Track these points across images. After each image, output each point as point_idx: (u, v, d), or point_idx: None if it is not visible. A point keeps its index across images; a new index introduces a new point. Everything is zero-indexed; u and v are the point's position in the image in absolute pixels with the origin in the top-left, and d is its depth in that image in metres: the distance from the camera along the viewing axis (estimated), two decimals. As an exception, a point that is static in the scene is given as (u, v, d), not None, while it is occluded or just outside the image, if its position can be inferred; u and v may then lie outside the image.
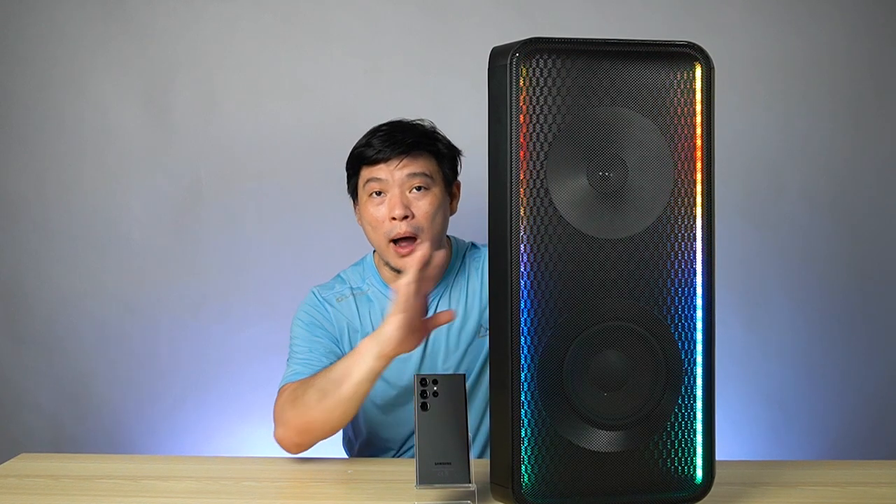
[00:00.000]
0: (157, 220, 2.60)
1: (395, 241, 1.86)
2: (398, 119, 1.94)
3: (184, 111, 2.58)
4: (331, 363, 1.86)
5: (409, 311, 1.56)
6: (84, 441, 2.61)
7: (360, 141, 1.93)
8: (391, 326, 1.56)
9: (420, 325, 1.59)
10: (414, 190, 1.87)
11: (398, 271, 1.89)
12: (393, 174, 1.86)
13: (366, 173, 1.89)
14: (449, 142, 1.95)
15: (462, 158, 1.98)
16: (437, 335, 1.93)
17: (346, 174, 1.98)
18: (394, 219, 1.85)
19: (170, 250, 2.60)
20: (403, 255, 1.85)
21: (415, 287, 1.55)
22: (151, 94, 2.58)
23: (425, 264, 1.55)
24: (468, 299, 1.95)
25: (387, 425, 1.97)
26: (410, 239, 1.86)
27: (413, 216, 1.86)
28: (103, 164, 2.59)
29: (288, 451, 1.77)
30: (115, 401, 2.62)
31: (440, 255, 1.61)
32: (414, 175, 1.87)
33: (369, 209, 1.88)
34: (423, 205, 1.87)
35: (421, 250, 1.54)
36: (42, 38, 2.58)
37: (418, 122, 1.95)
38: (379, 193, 1.87)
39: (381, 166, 1.87)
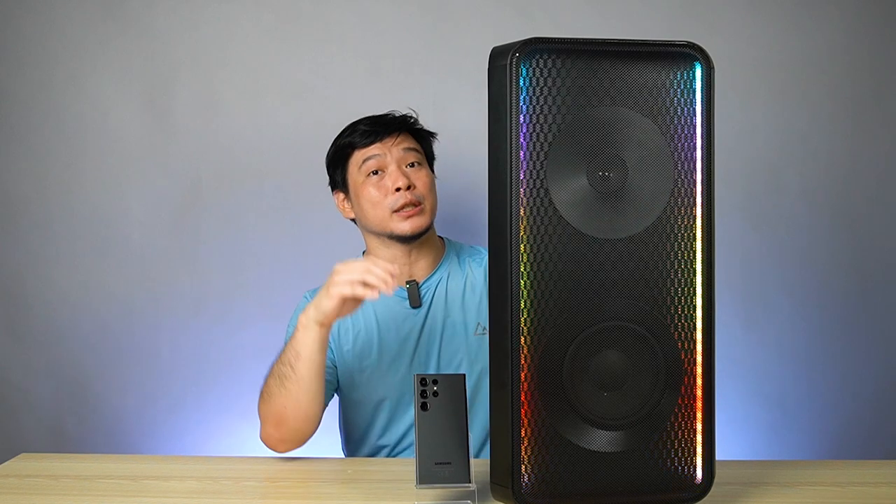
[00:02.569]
0: (157, 220, 2.59)
1: (399, 209, 1.92)
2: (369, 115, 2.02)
3: (184, 111, 2.58)
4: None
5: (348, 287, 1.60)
6: (84, 441, 2.61)
7: (341, 136, 2.00)
8: (327, 295, 1.62)
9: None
10: (409, 166, 1.94)
11: (404, 240, 1.93)
12: (390, 150, 1.94)
13: (359, 155, 1.95)
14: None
15: (436, 141, 2.05)
16: (432, 329, 1.94)
17: (328, 172, 2.02)
18: (398, 190, 1.90)
19: (170, 250, 2.59)
20: (409, 217, 1.91)
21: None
22: (152, 94, 2.58)
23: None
24: (466, 293, 1.96)
25: (383, 423, 1.97)
26: (415, 205, 1.91)
27: (415, 186, 1.92)
28: (103, 164, 2.59)
29: (275, 449, 1.79)
30: (115, 401, 2.62)
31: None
32: (409, 150, 1.95)
33: (368, 188, 1.93)
34: (421, 176, 1.95)
35: (391, 269, 1.59)
36: (42, 38, 2.58)
37: (390, 112, 2.01)
38: (376, 172, 1.93)
39: (377, 145, 1.94)
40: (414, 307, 1.96)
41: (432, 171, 2.02)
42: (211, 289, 2.60)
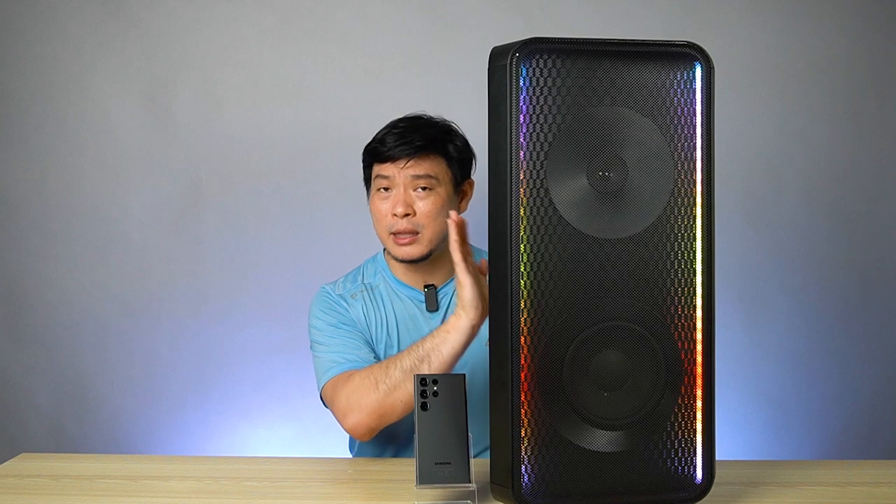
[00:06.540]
0: (157, 220, 2.59)
1: (395, 233, 1.93)
2: (419, 114, 1.99)
3: (184, 111, 2.58)
4: (370, 352, 1.90)
5: (474, 274, 1.63)
6: (84, 441, 2.61)
7: (378, 133, 1.98)
8: (469, 293, 1.62)
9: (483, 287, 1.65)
10: (419, 189, 1.93)
11: (402, 261, 1.95)
12: (399, 173, 1.93)
13: (376, 169, 1.96)
14: (465, 143, 1.99)
15: (476, 160, 2.01)
16: None
17: (361, 164, 2.03)
18: (395, 215, 1.91)
19: (170, 250, 2.60)
20: (402, 245, 1.92)
21: (464, 250, 1.62)
22: (152, 94, 2.58)
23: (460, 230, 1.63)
24: None
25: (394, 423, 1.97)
26: (411, 233, 1.92)
27: (414, 214, 1.92)
28: (103, 164, 2.59)
29: (360, 438, 1.80)
30: (115, 401, 2.62)
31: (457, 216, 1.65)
32: (418, 177, 1.93)
33: (375, 202, 1.96)
34: (425, 204, 1.93)
35: (456, 216, 1.62)
36: (42, 38, 2.58)
37: (440, 120, 1.99)
38: (386, 189, 1.94)
39: (389, 165, 1.93)
40: (430, 311, 1.97)
41: (458, 189, 1.97)
42: (211, 289, 2.60)
